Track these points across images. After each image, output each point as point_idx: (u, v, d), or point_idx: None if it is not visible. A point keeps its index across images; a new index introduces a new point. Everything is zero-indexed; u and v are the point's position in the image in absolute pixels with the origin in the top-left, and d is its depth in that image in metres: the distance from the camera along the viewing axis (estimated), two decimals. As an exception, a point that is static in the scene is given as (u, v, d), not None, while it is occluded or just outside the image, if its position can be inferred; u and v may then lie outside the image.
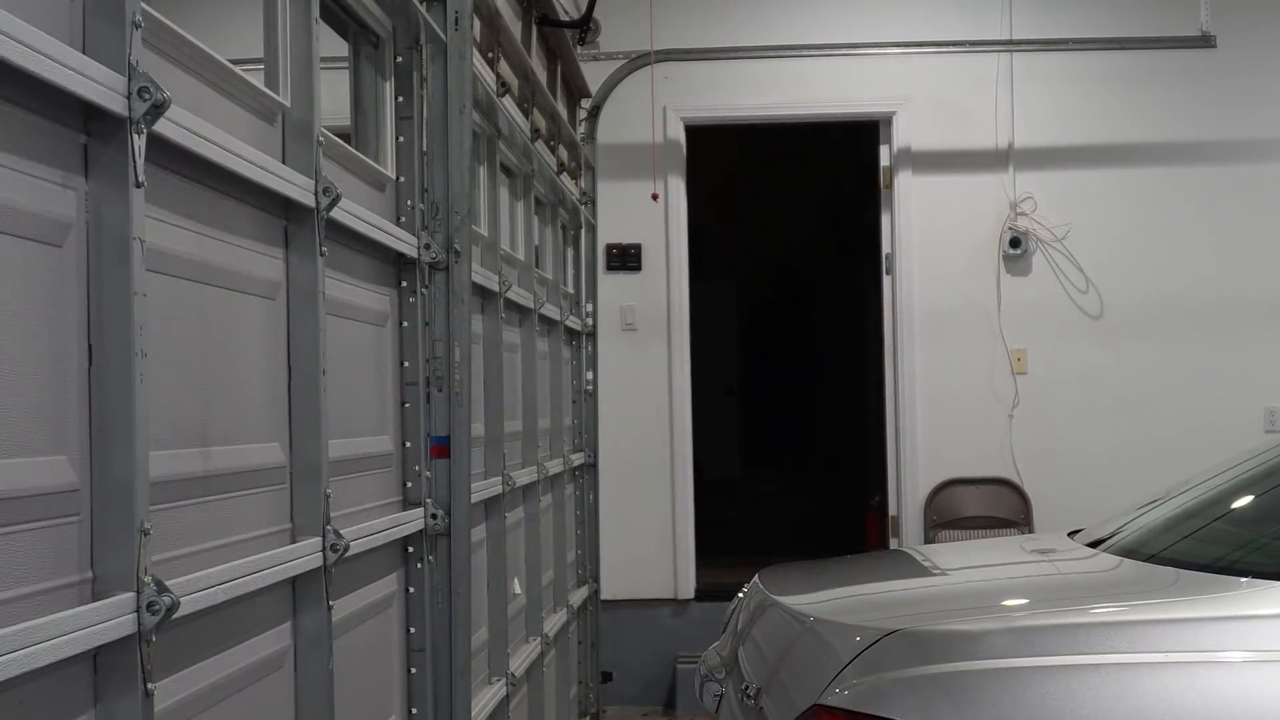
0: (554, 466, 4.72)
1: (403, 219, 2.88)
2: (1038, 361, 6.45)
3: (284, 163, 2.15)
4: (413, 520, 2.82)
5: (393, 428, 2.83)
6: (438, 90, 2.96)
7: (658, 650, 6.43)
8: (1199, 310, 6.40)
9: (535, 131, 4.43)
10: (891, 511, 6.63)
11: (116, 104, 1.52)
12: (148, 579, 1.55)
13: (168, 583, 1.58)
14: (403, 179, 2.90)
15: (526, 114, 4.32)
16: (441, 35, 2.95)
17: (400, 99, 2.91)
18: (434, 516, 2.90)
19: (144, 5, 1.61)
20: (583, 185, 5.90)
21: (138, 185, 1.56)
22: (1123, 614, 2.27)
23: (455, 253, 2.94)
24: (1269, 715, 1.90)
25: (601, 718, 5.99)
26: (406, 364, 2.88)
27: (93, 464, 1.53)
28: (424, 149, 2.94)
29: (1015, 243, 6.38)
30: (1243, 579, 2.27)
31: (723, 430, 10.14)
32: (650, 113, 6.30)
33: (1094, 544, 2.83)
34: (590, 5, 5.55)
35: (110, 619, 1.49)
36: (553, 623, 4.62)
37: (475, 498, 3.14)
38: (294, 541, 2.16)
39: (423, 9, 2.88)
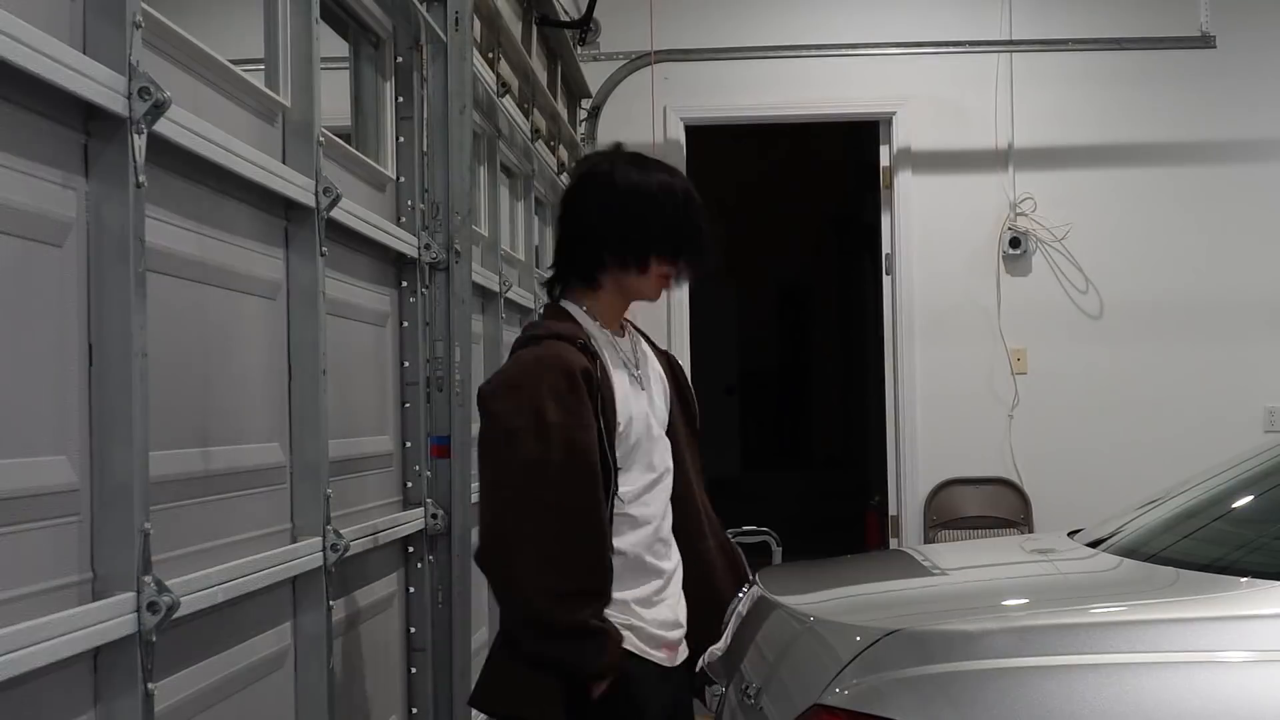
0: (554, 466, 4.71)
1: (403, 219, 2.88)
2: (1038, 361, 6.43)
3: (284, 163, 2.15)
4: (413, 520, 2.82)
5: (393, 428, 2.83)
6: (438, 90, 2.96)
7: (658, 650, 6.40)
8: (1199, 310, 6.39)
9: (535, 131, 4.43)
10: (891, 511, 6.62)
11: (117, 104, 1.52)
12: (148, 579, 1.55)
13: (168, 583, 1.58)
14: (403, 179, 2.90)
15: (526, 114, 4.32)
16: (442, 35, 2.95)
17: (400, 99, 2.91)
18: (434, 516, 2.90)
19: (144, 5, 1.61)
20: (583, 185, 5.88)
21: (138, 185, 1.55)
22: (1123, 614, 2.27)
23: (455, 253, 2.94)
24: (1269, 715, 1.90)
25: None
26: (407, 364, 2.88)
27: (93, 464, 1.53)
28: (424, 149, 2.94)
29: (1015, 243, 6.38)
30: (1243, 579, 2.26)
31: (723, 430, 10.13)
32: (650, 113, 6.28)
33: (1094, 544, 2.82)
34: (590, 5, 5.54)
35: (110, 619, 1.49)
36: (553, 623, 4.60)
37: (475, 498, 3.14)
38: (294, 541, 2.16)
39: (423, 9, 2.88)
